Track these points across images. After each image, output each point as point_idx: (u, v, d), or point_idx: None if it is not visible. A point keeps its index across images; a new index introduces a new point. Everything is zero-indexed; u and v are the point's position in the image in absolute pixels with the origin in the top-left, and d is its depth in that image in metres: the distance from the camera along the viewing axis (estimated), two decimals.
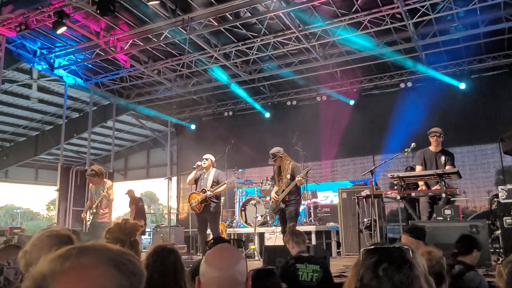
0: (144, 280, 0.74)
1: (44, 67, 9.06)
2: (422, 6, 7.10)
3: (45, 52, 8.83)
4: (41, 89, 11.07)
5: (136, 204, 9.31)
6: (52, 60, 8.99)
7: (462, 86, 9.39)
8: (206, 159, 6.54)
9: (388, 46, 8.44)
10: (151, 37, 8.11)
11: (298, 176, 5.53)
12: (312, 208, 8.27)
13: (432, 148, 5.76)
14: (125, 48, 8.38)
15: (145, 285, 2.10)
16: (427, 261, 2.15)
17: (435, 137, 5.66)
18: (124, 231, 1.90)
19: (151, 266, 2.05)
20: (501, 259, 1.85)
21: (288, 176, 5.67)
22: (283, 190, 5.68)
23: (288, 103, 11.31)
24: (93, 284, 0.63)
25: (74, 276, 0.63)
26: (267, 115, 11.47)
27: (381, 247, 1.09)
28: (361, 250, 1.10)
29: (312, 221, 8.07)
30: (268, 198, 8.30)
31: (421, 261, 1.08)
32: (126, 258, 0.72)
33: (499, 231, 5.10)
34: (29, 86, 10.79)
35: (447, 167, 5.34)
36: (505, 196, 5.17)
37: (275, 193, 5.87)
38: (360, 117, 10.27)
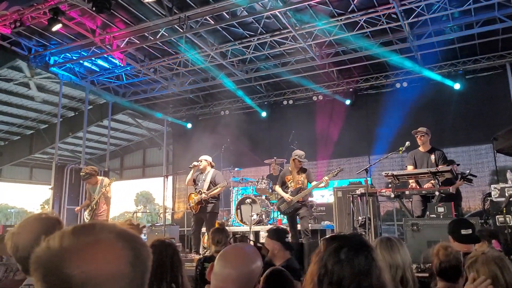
0: (147, 264, 0.76)
1: (39, 64, 9.01)
2: (418, 7, 7.15)
3: (40, 50, 8.78)
4: (36, 87, 11.00)
5: None
6: (47, 58, 8.94)
7: (457, 86, 9.43)
8: (201, 161, 6.53)
9: (383, 46, 8.48)
10: (147, 35, 8.11)
11: (326, 177, 6.03)
12: None
13: (421, 148, 5.83)
14: (121, 46, 8.36)
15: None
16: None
17: (419, 136, 5.76)
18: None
19: None
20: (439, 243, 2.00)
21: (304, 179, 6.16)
22: (298, 191, 6.04)
23: (285, 102, 11.32)
24: (111, 257, 0.68)
25: (94, 250, 0.67)
26: (264, 114, 11.48)
27: (340, 234, 1.17)
28: (320, 239, 1.19)
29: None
30: (263, 197, 8.30)
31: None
32: (133, 237, 0.76)
33: None
34: (24, 84, 10.73)
35: (439, 166, 5.38)
36: (497, 194, 5.21)
37: (290, 194, 6.15)
38: (356, 116, 10.32)
